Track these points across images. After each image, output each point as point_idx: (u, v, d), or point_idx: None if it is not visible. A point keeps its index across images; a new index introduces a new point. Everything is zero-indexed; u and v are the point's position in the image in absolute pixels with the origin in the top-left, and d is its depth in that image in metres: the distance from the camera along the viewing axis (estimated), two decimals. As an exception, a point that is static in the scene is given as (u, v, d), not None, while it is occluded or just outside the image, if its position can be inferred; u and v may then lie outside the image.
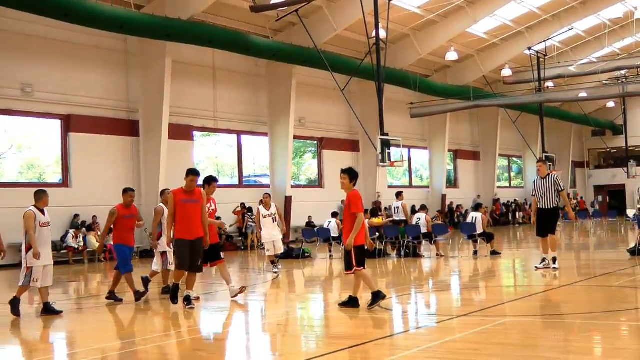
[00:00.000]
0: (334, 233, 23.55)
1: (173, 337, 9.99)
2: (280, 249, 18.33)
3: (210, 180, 13.40)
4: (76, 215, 25.81)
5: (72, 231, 25.05)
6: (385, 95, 29.33)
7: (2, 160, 25.81)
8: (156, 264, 14.40)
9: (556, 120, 50.59)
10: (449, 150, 45.00)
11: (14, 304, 12.12)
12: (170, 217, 12.22)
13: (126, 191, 13.69)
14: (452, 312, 10.59)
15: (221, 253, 13.59)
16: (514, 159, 55.13)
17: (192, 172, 12.41)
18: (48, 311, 12.14)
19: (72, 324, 11.84)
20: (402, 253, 22.05)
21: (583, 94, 44.37)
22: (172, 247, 13.14)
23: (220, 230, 12.99)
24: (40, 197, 12.29)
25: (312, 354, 8.21)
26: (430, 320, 9.71)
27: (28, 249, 11.96)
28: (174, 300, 12.28)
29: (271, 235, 18.03)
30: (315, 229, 27.19)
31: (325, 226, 24.28)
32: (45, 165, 27.39)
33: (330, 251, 23.72)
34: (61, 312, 12.23)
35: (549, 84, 44.45)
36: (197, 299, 12.90)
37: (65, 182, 26.37)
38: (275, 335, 10.03)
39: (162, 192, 14.84)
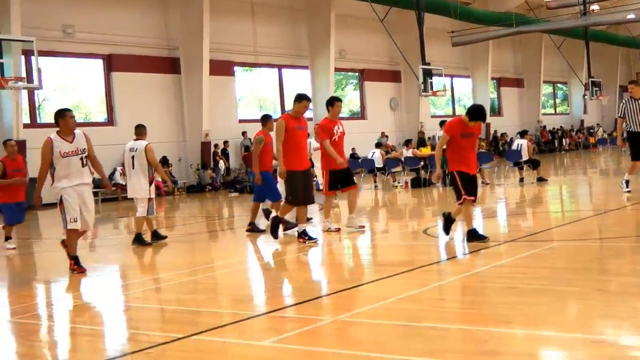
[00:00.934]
0: (378, 164, 23.53)
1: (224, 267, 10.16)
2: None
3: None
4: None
5: (119, 168, 25.39)
6: (425, 24, 29.01)
7: (48, 101, 26.10)
8: (141, 209, 12.68)
9: (602, 44, 49.43)
10: (492, 78, 44.41)
11: (139, 239, 12.63)
12: (280, 145, 11.12)
13: (5, 143, 13.58)
14: (499, 238, 10.58)
15: (354, 178, 12.70)
16: (559, 85, 54.21)
17: (305, 97, 11.59)
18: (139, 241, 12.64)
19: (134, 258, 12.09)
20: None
21: (631, 15, 43.06)
22: (276, 179, 12.75)
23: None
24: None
25: (359, 281, 8.29)
26: (477, 246, 9.72)
27: (151, 180, 12.54)
28: (275, 234, 11.60)
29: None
30: (359, 160, 27.21)
31: (369, 157, 24.25)
32: (91, 105, 27.67)
33: (375, 181, 23.71)
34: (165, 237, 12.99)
35: (594, 6, 43.27)
36: (338, 230, 12.29)
37: (110, 121, 26.66)
38: (324, 264, 10.15)
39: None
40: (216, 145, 28.48)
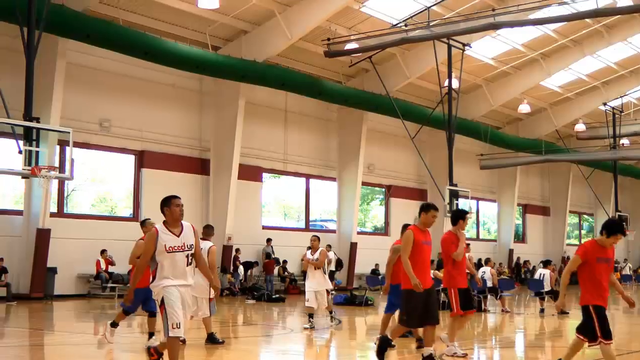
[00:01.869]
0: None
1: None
2: (324, 303, 15.72)
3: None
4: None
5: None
6: (455, 145, 29.26)
7: (76, 192, 26.41)
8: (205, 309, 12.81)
9: (631, 178, 49.49)
10: (518, 204, 44.38)
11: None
12: (407, 260, 10.10)
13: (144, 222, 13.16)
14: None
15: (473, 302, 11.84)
16: (585, 216, 54.01)
17: (432, 207, 10.54)
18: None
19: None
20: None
21: (659, 153, 43.38)
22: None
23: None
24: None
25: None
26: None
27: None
28: (381, 355, 10.45)
29: (314, 284, 15.66)
30: (380, 277, 27.02)
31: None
32: (118, 199, 27.94)
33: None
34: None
35: (624, 140, 43.64)
36: (465, 355, 11.40)
37: (136, 217, 26.81)
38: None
39: (143, 222, 13.42)
40: (237, 250, 28.46)
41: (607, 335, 8.84)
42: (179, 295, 8.46)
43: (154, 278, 8.58)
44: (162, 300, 8.41)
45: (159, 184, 26.90)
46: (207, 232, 13.21)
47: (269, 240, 29.69)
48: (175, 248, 8.46)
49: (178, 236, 8.49)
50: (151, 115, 26.93)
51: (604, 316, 8.87)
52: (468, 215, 11.67)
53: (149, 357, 9.03)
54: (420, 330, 11.16)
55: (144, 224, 12.96)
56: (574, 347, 9.31)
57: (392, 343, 11.10)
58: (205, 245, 12.61)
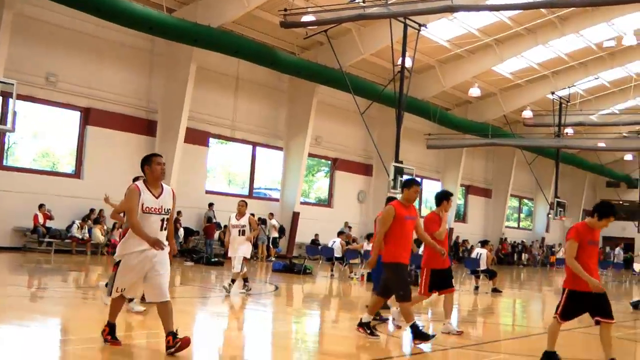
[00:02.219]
0: (338, 253, 23.55)
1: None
2: (238, 269, 15.21)
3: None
4: (91, 210, 25.80)
5: (78, 222, 25.13)
6: (403, 124, 29.41)
7: (17, 145, 25.97)
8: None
9: (572, 166, 50.46)
10: (461, 185, 44.97)
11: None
12: (382, 234, 10.12)
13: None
14: (447, 344, 10.56)
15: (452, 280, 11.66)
16: (525, 200, 54.98)
17: (414, 182, 10.51)
18: None
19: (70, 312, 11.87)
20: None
21: (602, 144, 44.28)
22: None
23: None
24: None
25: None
26: (424, 348, 9.68)
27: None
28: (425, 336, 10.08)
29: (235, 250, 15.33)
30: (320, 247, 27.30)
31: (329, 245, 24.27)
32: (60, 156, 27.54)
33: (332, 270, 23.68)
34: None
35: (569, 130, 44.44)
36: (460, 333, 11.33)
37: (77, 174, 26.53)
38: (269, 346, 10.04)
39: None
40: (179, 213, 28.34)
41: (564, 315, 8.89)
42: (136, 264, 8.11)
43: (123, 236, 8.33)
44: (119, 262, 8.19)
45: (103, 142, 26.65)
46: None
47: (210, 204, 29.64)
48: (152, 210, 8.02)
49: (157, 197, 8.07)
50: (100, 73, 26.54)
51: (583, 301, 8.78)
52: (452, 198, 11.62)
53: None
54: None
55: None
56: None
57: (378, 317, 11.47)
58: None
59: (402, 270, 10.17)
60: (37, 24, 24.59)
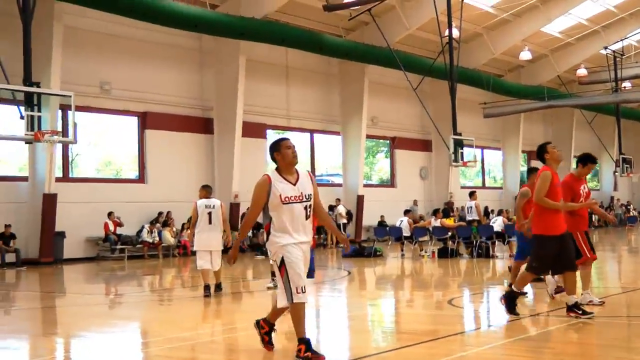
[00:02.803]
0: (406, 232, 23.43)
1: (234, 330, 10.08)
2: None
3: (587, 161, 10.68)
4: (159, 213, 26.17)
5: (147, 226, 25.49)
6: (457, 95, 29.13)
7: (80, 157, 26.44)
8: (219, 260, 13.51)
9: (633, 121, 49.33)
10: (523, 151, 44.33)
11: None
12: (542, 198, 9.46)
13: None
14: (526, 312, 10.43)
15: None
16: (590, 160, 53.89)
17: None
18: None
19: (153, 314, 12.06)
20: (475, 253, 21.80)
21: (662, 94, 43.18)
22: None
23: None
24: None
25: (382, 349, 8.20)
26: (503, 319, 9.59)
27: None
28: (513, 309, 9.77)
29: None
30: (387, 228, 27.20)
31: (397, 225, 24.17)
32: (122, 162, 27.98)
33: (402, 250, 23.60)
34: None
35: (626, 84, 43.36)
36: (602, 303, 10.49)
37: (141, 179, 26.90)
38: (348, 330, 10.05)
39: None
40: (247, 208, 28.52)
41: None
42: (301, 254, 7.29)
43: (268, 234, 7.38)
44: (282, 260, 7.22)
45: (163, 144, 26.98)
46: (208, 190, 13.87)
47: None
48: (293, 198, 7.26)
49: (294, 184, 7.34)
50: (151, 76, 26.84)
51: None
52: (591, 165, 10.73)
53: (259, 330, 7.77)
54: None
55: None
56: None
57: (524, 291, 10.95)
58: (216, 202, 13.66)
59: (549, 242, 9.53)
60: (86, 34, 24.96)
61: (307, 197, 7.34)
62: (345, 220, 31.12)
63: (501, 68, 40.93)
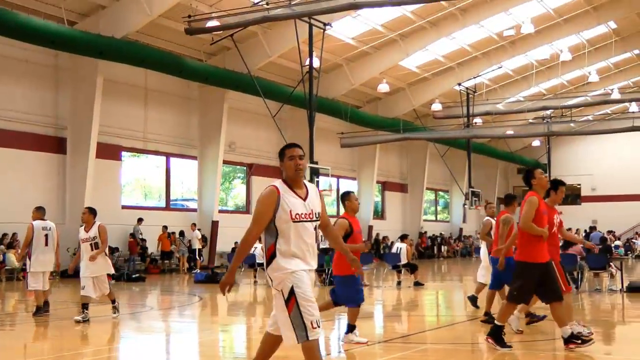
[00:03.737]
0: (259, 259, 23.43)
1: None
2: (107, 289, 13.19)
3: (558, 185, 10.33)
4: (4, 235, 25.09)
5: (-2, 247, 24.44)
6: (316, 124, 29.51)
7: None
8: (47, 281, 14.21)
9: (483, 156, 51.56)
10: (377, 182, 45.39)
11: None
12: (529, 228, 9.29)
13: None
14: (374, 338, 10.64)
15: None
16: (441, 192, 55.87)
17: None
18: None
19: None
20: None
21: (510, 132, 45.49)
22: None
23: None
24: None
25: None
26: (350, 346, 9.74)
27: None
28: (503, 343, 9.45)
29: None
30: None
31: (251, 251, 24.10)
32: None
33: (255, 277, 23.57)
34: None
35: (477, 120, 45.38)
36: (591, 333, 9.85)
37: (-15, 197, 25.75)
38: (198, 357, 9.95)
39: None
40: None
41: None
42: (309, 282, 6.29)
43: (271, 258, 6.28)
44: (292, 290, 6.13)
45: (11, 163, 25.93)
46: (42, 212, 14.27)
47: (140, 219, 29.30)
48: (304, 216, 6.25)
49: (304, 200, 6.33)
50: (2, 91, 25.81)
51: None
52: (562, 188, 10.33)
53: None
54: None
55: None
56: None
57: (540, 315, 11.18)
58: (52, 224, 14.21)
59: (531, 269, 9.32)
60: None
61: (317, 215, 6.42)
62: (199, 245, 30.91)
63: (360, 99, 41.86)
